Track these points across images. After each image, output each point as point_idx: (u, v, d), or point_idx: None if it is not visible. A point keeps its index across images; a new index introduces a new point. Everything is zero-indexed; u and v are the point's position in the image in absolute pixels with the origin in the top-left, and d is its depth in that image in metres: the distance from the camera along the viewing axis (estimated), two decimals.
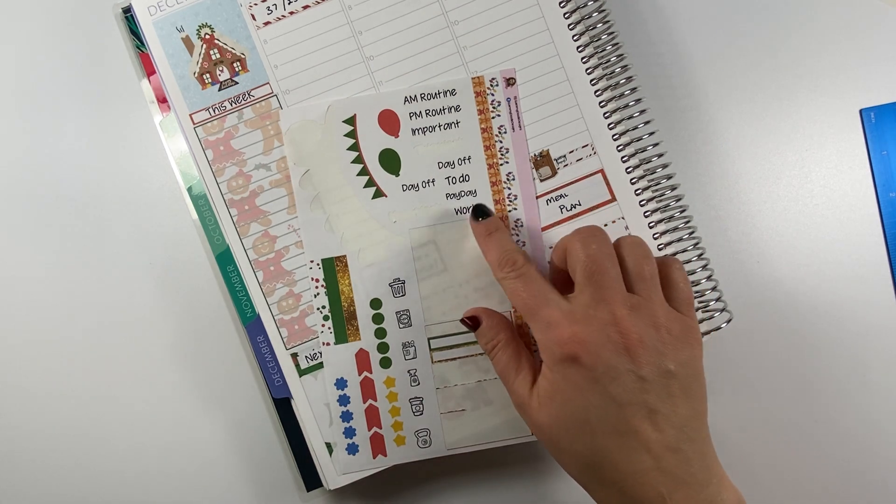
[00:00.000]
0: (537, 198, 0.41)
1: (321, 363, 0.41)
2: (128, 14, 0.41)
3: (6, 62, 0.44)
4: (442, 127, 0.41)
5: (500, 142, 0.41)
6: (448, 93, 0.41)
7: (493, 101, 0.41)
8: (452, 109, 0.41)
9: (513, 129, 0.41)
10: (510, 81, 0.41)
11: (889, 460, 0.43)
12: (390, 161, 0.41)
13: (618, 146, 0.41)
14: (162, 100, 0.41)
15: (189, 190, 0.41)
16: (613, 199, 0.41)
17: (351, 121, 0.41)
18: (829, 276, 0.43)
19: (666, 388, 0.34)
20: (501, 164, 0.41)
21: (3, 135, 0.44)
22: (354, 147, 0.41)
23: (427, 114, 0.41)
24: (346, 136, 0.41)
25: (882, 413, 0.43)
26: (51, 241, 0.44)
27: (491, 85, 0.41)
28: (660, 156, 0.41)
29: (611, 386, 0.33)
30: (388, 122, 0.41)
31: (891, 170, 0.44)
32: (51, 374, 0.44)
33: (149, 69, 0.41)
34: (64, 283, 0.44)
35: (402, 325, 0.41)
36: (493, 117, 0.41)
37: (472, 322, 0.39)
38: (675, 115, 0.44)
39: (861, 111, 0.44)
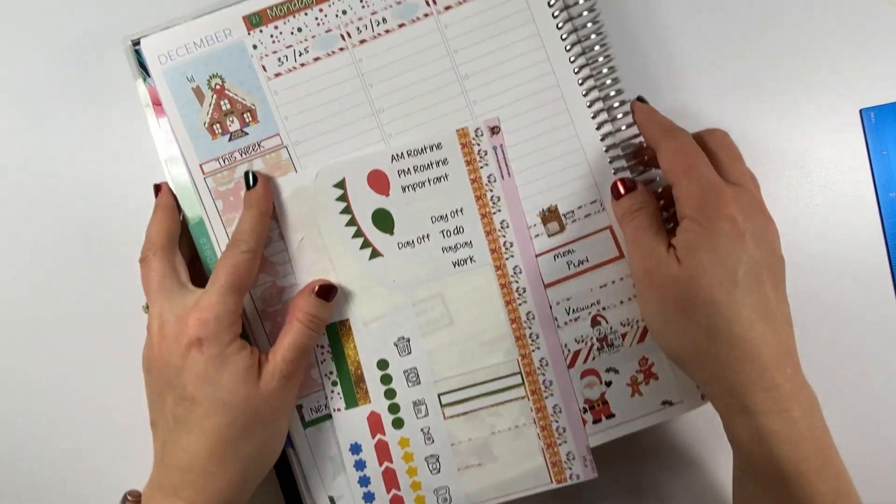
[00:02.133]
0: (542, 254, 0.40)
1: (326, 415, 0.40)
2: (136, 46, 0.40)
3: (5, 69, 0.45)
4: (431, 181, 0.40)
5: (491, 191, 0.40)
6: (434, 147, 0.40)
7: (479, 150, 0.40)
8: (440, 163, 0.40)
9: (502, 176, 0.40)
10: (494, 130, 0.40)
11: (890, 460, 0.43)
12: (384, 220, 0.40)
13: None
14: (157, 103, 0.40)
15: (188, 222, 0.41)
16: (621, 255, 0.40)
17: (341, 184, 0.40)
18: (829, 276, 0.43)
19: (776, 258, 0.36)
20: (494, 213, 0.40)
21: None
22: (347, 210, 0.40)
23: (415, 170, 0.40)
24: (337, 199, 0.40)
25: (882, 413, 0.43)
26: (48, 256, 0.44)
27: (476, 135, 0.40)
28: None
29: (756, 246, 0.34)
30: (378, 181, 0.40)
31: (891, 170, 0.43)
32: (45, 383, 0.44)
33: (155, 99, 0.40)
34: (64, 309, 0.44)
35: (410, 384, 0.40)
36: (481, 167, 0.40)
37: (624, 188, 0.38)
38: (673, 117, 0.43)
39: (861, 111, 0.43)
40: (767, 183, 0.43)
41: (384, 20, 0.40)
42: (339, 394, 0.40)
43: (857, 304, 0.43)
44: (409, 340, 0.40)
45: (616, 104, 0.40)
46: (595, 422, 0.40)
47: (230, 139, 0.40)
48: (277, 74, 0.40)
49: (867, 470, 0.42)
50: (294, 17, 0.40)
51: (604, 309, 0.40)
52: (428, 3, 0.39)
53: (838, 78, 0.43)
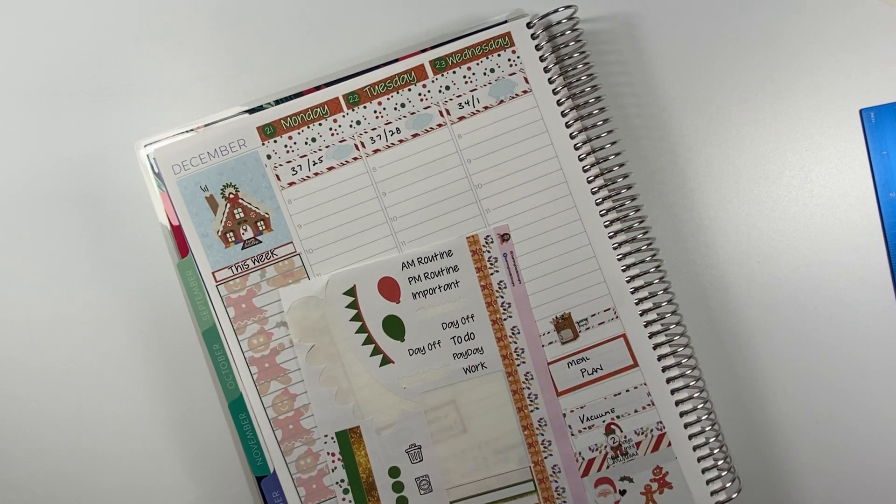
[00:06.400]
0: (555, 361, 0.39)
1: None
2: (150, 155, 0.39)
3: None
4: (442, 288, 0.39)
5: (502, 297, 0.39)
6: (444, 254, 0.39)
7: (489, 257, 0.39)
8: (451, 270, 0.39)
9: (512, 283, 0.39)
10: (505, 237, 0.39)
11: (890, 461, 0.41)
12: (394, 327, 0.39)
13: (640, 311, 0.39)
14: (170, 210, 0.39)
15: (204, 334, 0.40)
16: (635, 364, 0.39)
17: (351, 292, 0.39)
18: (829, 276, 0.42)
19: None
20: (505, 319, 0.39)
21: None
22: (357, 317, 0.39)
23: (426, 277, 0.39)
24: (347, 307, 0.39)
25: (882, 413, 0.41)
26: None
27: (486, 242, 0.39)
28: (678, 324, 0.39)
29: None
30: (388, 288, 0.39)
31: (891, 170, 0.41)
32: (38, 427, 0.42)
33: (167, 206, 0.39)
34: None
35: (422, 492, 0.39)
36: (491, 273, 0.39)
37: None
38: (671, 114, 0.42)
39: (861, 111, 0.42)
40: (767, 183, 0.42)
41: (398, 130, 0.39)
42: (350, 501, 0.39)
43: (857, 304, 0.42)
44: (420, 448, 0.39)
45: (631, 212, 0.39)
46: None
47: (243, 247, 0.39)
48: (291, 184, 0.39)
49: (867, 470, 0.41)
50: (308, 127, 0.39)
51: (618, 417, 0.39)
52: (441, 114, 0.39)
53: (838, 78, 0.42)
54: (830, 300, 0.41)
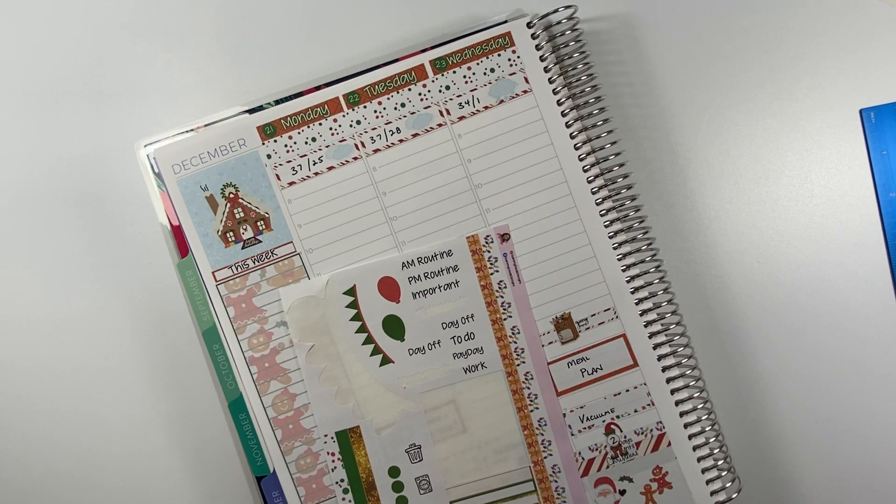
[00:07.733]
0: (555, 361, 0.39)
1: None
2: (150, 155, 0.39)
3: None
4: (442, 288, 0.39)
5: (502, 297, 0.39)
6: (444, 254, 0.39)
7: (489, 257, 0.39)
8: (451, 270, 0.39)
9: (512, 283, 0.39)
10: (504, 237, 0.39)
11: (890, 461, 0.41)
12: (394, 327, 0.39)
13: (640, 311, 0.39)
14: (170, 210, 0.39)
15: (204, 334, 0.40)
16: (636, 364, 0.39)
17: (351, 291, 0.39)
18: (829, 276, 0.41)
19: None
20: (505, 319, 0.39)
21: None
22: (357, 317, 0.39)
23: (426, 276, 0.39)
24: (347, 307, 0.39)
25: (882, 413, 0.41)
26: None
27: (486, 242, 0.39)
28: (678, 324, 0.39)
29: None
30: (388, 288, 0.39)
31: (891, 170, 0.41)
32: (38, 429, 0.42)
33: (167, 206, 0.39)
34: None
35: (422, 492, 0.39)
36: (491, 273, 0.39)
37: None
38: (671, 114, 0.42)
39: (861, 111, 0.41)
40: (768, 183, 0.42)
41: (398, 130, 0.39)
42: (350, 501, 0.39)
43: (857, 304, 0.41)
44: (420, 447, 0.39)
45: (631, 212, 0.39)
46: None
47: (243, 247, 0.39)
48: (291, 183, 0.39)
49: (867, 470, 0.41)
50: (308, 127, 0.39)
51: (618, 417, 0.39)
52: (441, 114, 0.39)
53: (838, 78, 0.42)
54: (830, 300, 0.41)
